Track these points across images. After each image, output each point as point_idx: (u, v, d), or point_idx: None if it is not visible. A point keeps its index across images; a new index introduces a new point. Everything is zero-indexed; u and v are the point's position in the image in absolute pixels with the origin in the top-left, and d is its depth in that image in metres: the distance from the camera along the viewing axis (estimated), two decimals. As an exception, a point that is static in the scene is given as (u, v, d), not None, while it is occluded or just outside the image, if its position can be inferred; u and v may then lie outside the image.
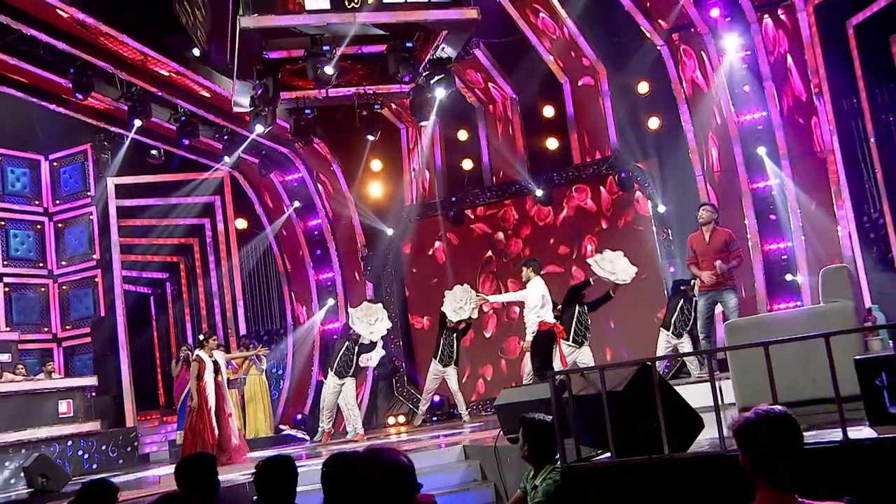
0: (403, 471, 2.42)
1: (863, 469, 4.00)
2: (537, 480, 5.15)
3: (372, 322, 12.95)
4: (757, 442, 2.91)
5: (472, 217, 16.11)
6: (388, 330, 13.40)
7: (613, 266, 11.94)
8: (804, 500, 2.87)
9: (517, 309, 14.93)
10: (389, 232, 16.25)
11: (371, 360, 13.48)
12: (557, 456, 5.16)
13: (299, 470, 4.79)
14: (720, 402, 7.72)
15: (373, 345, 13.13)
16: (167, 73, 13.45)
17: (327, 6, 10.61)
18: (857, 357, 4.44)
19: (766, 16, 13.72)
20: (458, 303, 13.07)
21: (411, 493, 2.44)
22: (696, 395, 6.07)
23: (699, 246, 9.71)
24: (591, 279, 12.14)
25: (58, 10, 11.57)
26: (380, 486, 2.37)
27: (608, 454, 4.89)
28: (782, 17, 13.57)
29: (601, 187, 15.20)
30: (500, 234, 15.90)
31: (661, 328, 12.09)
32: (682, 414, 4.90)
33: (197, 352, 11.31)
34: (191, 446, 10.66)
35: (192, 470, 5.11)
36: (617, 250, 12.39)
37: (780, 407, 2.96)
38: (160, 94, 13.75)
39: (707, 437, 5.09)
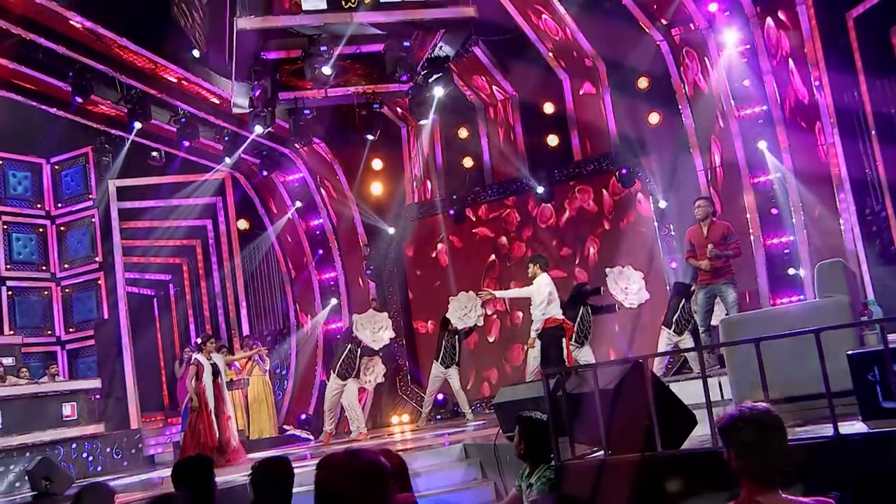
0: (382, 472, 2.44)
1: (854, 464, 3.99)
2: (532, 479, 5.15)
3: (376, 330, 13.04)
4: (739, 439, 2.92)
5: (474, 220, 16.08)
6: (390, 339, 13.55)
7: (628, 286, 12.06)
8: (788, 497, 2.87)
9: (521, 314, 14.98)
10: (391, 231, 16.26)
11: (369, 383, 13.66)
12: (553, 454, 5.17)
13: (302, 470, 4.79)
14: (721, 398, 7.74)
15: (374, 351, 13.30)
16: (175, 80, 13.51)
17: (324, 6, 10.65)
18: (850, 352, 4.43)
19: (766, 15, 13.65)
20: (463, 310, 13.17)
21: (389, 493, 2.46)
22: (697, 390, 6.07)
23: (697, 239, 9.70)
24: (601, 288, 12.26)
25: (71, 22, 11.66)
26: (357, 487, 2.40)
27: (602, 452, 4.89)
28: (781, 13, 13.52)
29: (603, 189, 15.18)
30: (504, 239, 15.88)
31: (663, 326, 12.10)
32: (676, 411, 4.90)
33: (195, 355, 11.37)
34: (190, 446, 10.73)
35: (190, 472, 5.12)
36: (627, 265, 12.60)
37: (763, 404, 2.96)
38: (160, 96, 13.80)
39: (704, 434, 5.09)
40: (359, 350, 12.91)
